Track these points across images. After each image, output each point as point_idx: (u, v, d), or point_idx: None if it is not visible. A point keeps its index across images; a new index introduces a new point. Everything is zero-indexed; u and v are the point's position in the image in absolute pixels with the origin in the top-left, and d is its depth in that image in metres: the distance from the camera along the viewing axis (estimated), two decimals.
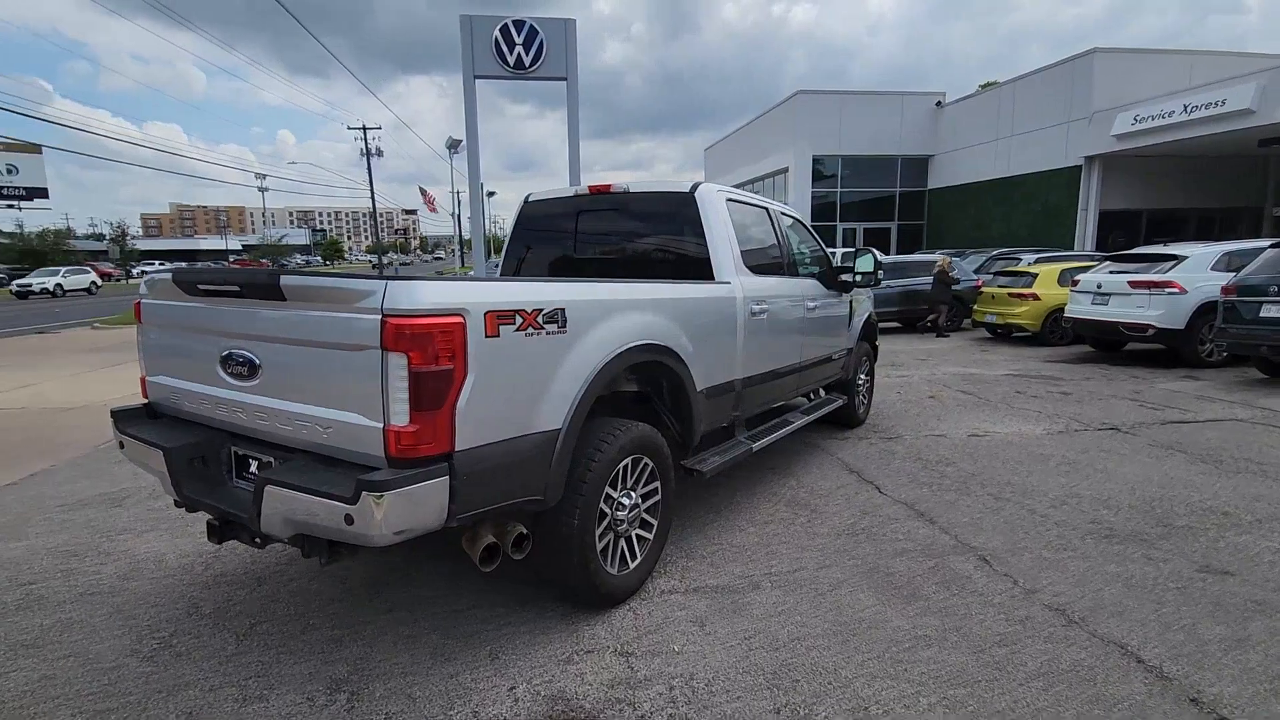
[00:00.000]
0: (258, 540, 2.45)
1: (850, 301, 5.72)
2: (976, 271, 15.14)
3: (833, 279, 5.35)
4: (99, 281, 40.17)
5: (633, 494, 3.02)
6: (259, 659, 2.62)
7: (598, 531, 2.80)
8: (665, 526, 3.28)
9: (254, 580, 3.29)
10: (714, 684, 2.44)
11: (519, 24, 21.63)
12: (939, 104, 27.06)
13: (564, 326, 2.54)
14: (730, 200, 4.14)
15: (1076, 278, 10.38)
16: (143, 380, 2.96)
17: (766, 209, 4.65)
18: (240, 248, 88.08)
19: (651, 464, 3.12)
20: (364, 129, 45.11)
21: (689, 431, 3.43)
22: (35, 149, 49.23)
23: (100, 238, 69.98)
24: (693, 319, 3.37)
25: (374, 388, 2.07)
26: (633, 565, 3.06)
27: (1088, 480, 4.67)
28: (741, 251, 4.04)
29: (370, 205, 43.61)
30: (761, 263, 4.34)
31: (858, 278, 5.36)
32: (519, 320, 2.35)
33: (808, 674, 2.50)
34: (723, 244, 3.88)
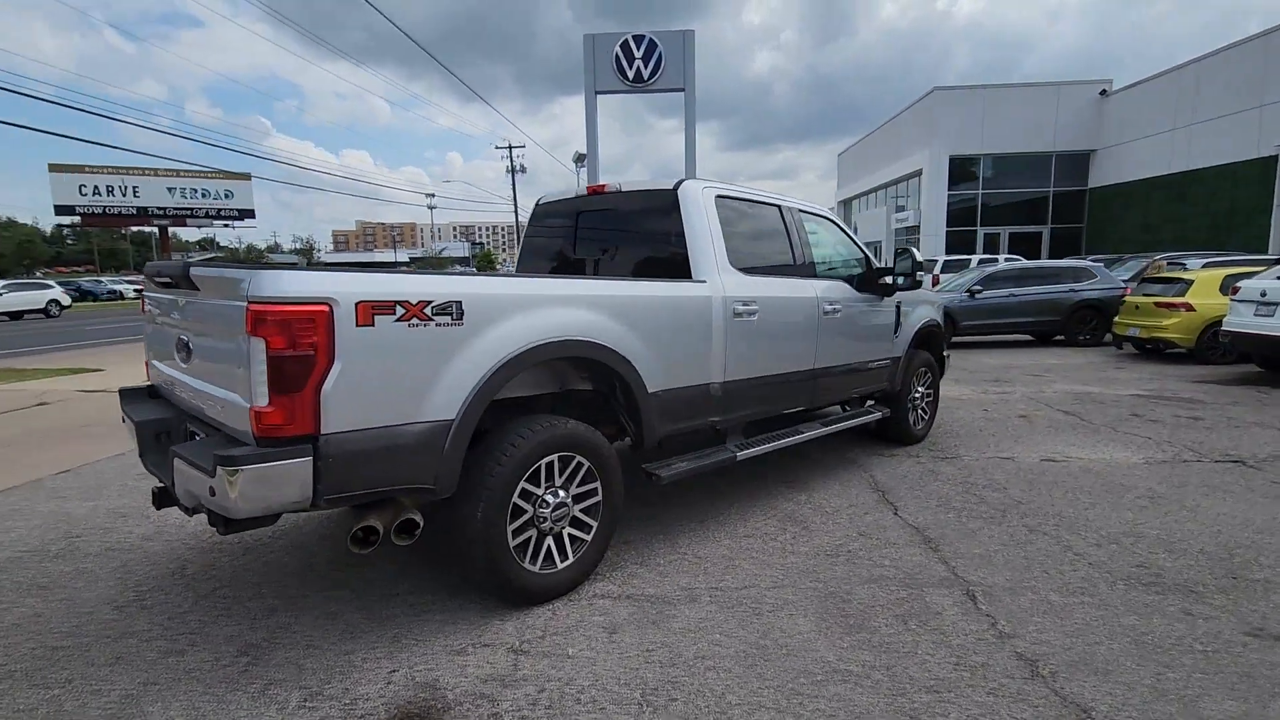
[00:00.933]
0: (187, 509, 2.68)
1: (897, 306, 5.27)
2: (1130, 280, 13.33)
3: (871, 282, 4.95)
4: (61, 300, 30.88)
5: (561, 492, 2.98)
6: (201, 618, 2.87)
7: (510, 527, 2.78)
8: (607, 527, 3.19)
9: (242, 550, 3.61)
10: (585, 693, 2.34)
11: (639, 38, 22.12)
12: (1103, 93, 24.22)
13: (460, 319, 2.56)
14: (723, 197, 3.97)
15: (1237, 284, 8.82)
16: (146, 364, 3.36)
17: (779, 206, 4.41)
18: (408, 260, 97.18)
19: (588, 463, 3.06)
20: (509, 147, 48.15)
21: (640, 433, 3.32)
22: (245, 177, 57.36)
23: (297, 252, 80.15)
24: (646, 318, 3.26)
25: (245, 370, 2.21)
26: (562, 565, 3.01)
27: (1162, 518, 3.96)
28: (733, 250, 3.86)
29: (515, 219, 46.41)
30: (761, 263, 4.12)
31: (900, 279, 4.92)
32: (401, 311, 2.40)
33: (689, 695, 2.33)
34: (703, 242, 3.72)
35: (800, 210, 4.63)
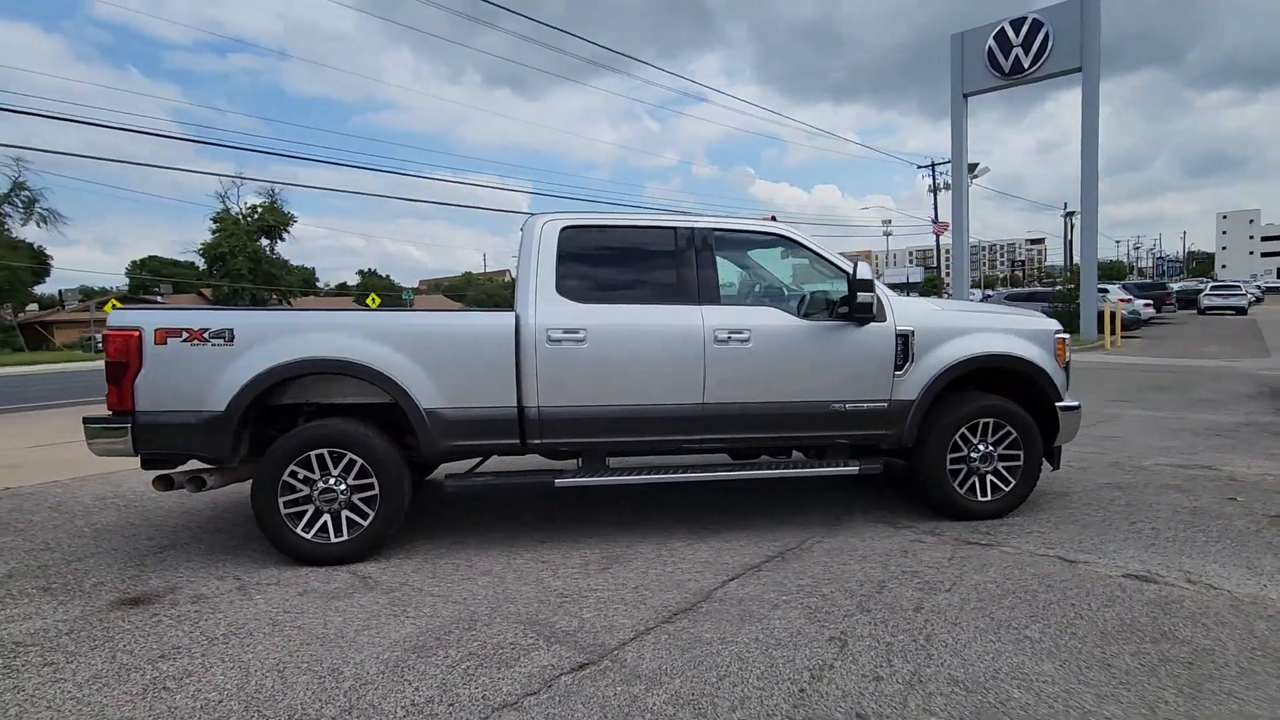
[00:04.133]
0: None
1: (901, 336, 4.12)
2: None
3: (833, 306, 4.09)
4: None
5: (331, 480, 3.73)
6: (138, 562, 4.10)
7: (282, 499, 3.69)
8: (384, 518, 3.77)
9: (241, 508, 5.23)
10: (220, 628, 3.13)
11: (1017, 23, 19.07)
12: None
13: (231, 341, 3.63)
14: (576, 228, 4.05)
15: None
16: None
17: (674, 230, 4.13)
18: None
19: (361, 460, 3.74)
20: (932, 166, 45.35)
21: (419, 442, 3.79)
22: None
23: None
24: (415, 342, 3.76)
25: None
26: (335, 539, 3.76)
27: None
28: (570, 279, 3.95)
29: (936, 242, 43.42)
30: (618, 290, 4.02)
31: (870, 301, 3.92)
32: (185, 335, 3.61)
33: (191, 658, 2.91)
34: (528, 273, 3.93)
35: (721, 230, 4.20)
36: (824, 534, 4.15)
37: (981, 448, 4.28)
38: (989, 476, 4.32)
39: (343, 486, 3.76)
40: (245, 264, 51.79)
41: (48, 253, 47.93)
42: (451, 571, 3.68)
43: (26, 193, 43.22)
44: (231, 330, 3.66)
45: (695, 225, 4.18)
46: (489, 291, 74.91)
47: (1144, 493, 4.84)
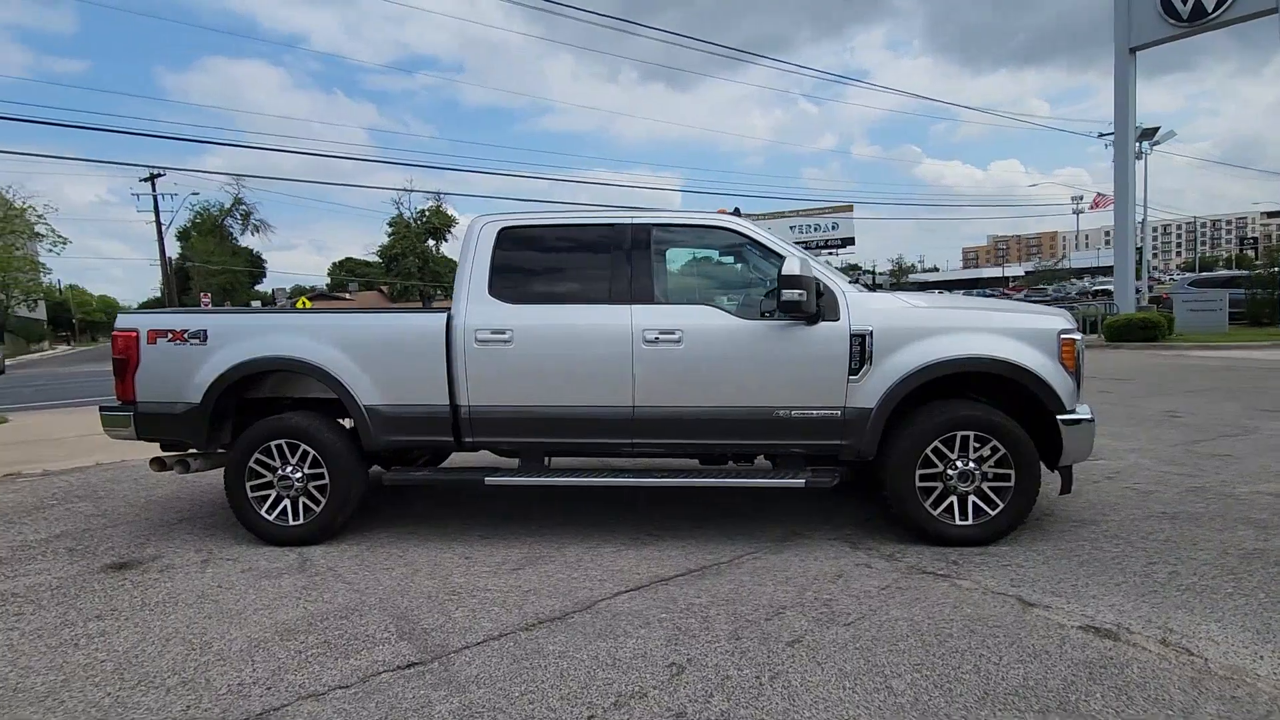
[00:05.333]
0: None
1: (856, 337, 3.70)
2: None
3: (776, 304, 3.76)
4: None
5: (295, 469, 4.07)
6: (152, 532, 4.70)
7: (248, 484, 4.10)
8: (334, 506, 4.05)
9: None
10: (161, 589, 3.57)
11: None
12: None
13: (205, 341, 4.07)
14: (514, 228, 4.06)
15: None
16: None
17: (611, 225, 4.00)
18: (1021, 273, 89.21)
19: (313, 451, 4.05)
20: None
21: (360, 437, 4.02)
22: (848, 208, 64.22)
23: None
24: (357, 342, 3.98)
25: None
26: (293, 523, 4.11)
27: None
28: (503, 280, 3.99)
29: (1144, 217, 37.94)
30: (550, 290, 4.00)
31: (798, 299, 3.55)
32: (170, 335, 4.10)
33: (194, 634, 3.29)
34: (464, 274, 4.02)
35: (661, 226, 4.01)
36: (769, 549, 3.85)
37: (960, 464, 3.74)
38: (971, 498, 3.76)
39: (299, 475, 4.08)
40: (415, 263, 57.14)
41: (263, 257, 56.17)
42: (380, 561, 3.87)
43: (243, 206, 50.87)
44: (206, 331, 4.10)
45: (633, 221, 4.03)
46: None
47: (1203, 527, 3.96)
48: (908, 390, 3.70)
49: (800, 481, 3.81)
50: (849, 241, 68.01)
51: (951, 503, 3.78)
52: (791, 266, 3.52)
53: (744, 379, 3.82)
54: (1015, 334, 3.75)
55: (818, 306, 3.69)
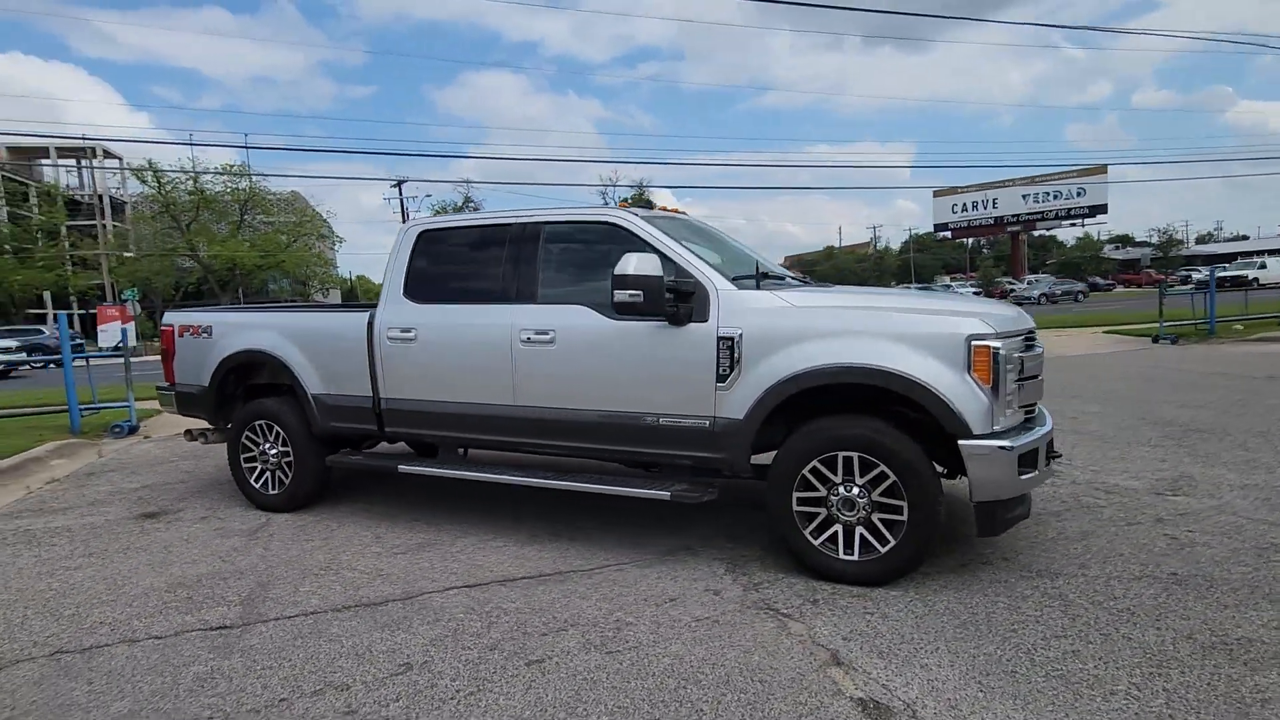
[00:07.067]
0: None
1: (724, 341, 3.33)
2: None
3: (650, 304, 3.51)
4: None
5: (272, 446, 4.75)
6: (197, 490, 5.76)
7: (241, 457, 4.86)
8: (298, 479, 4.65)
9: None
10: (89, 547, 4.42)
11: None
12: None
13: (210, 335, 4.88)
14: (435, 230, 4.29)
15: None
16: None
17: (508, 225, 4.02)
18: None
19: (283, 433, 4.69)
20: None
21: (310, 422, 4.54)
22: (1101, 169, 54.70)
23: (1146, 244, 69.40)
24: (302, 337, 4.51)
25: None
26: (271, 493, 4.79)
27: None
28: (418, 280, 4.24)
29: None
30: (455, 290, 4.16)
31: (630, 300, 3.28)
32: (192, 330, 4.98)
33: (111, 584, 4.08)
34: (388, 275, 4.33)
35: (551, 224, 3.95)
36: (643, 563, 3.65)
37: (844, 490, 3.22)
38: (859, 529, 3.22)
39: (274, 451, 4.75)
40: None
41: None
42: (302, 531, 4.36)
43: (472, 204, 57.58)
44: (211, 327, 4.92)
45: (526, 220, 4.01)
46: (841, 266, 73.23)
47: (1208, 602, 2.96)
48: (778, 402, 3.26)
49: (665, 494, 3.56)
50: (1098, 210, 58.14)
51: (836, 532, 3.27)
52: (623, 265, 3.27)
53: (614, 383, 3.65)
54: (910, 340, 3.10)
55: (677, 307, 3.40)
